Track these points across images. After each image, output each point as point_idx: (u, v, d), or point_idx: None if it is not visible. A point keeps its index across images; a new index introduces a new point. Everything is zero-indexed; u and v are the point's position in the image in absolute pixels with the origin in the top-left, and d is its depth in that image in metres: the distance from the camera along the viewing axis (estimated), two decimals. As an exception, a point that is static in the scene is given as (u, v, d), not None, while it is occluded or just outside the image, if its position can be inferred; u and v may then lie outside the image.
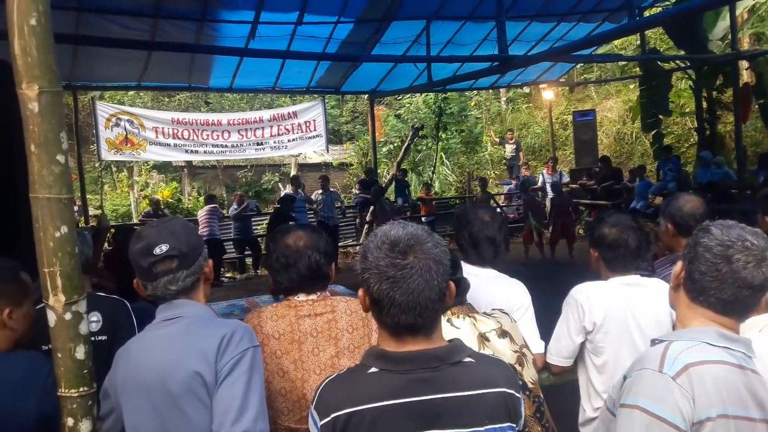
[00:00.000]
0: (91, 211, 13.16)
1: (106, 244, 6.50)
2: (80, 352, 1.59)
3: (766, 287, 1.33)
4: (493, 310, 1.97)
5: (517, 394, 1.31)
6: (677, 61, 12.17)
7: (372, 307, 1.28)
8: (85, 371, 1.60)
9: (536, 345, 2.24)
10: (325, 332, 1.84)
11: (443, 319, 1.66)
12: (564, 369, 2.34)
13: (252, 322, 1.82)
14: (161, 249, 1.57)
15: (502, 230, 2.32)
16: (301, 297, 1.87)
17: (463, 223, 2.32)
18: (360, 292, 1.29)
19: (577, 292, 2.27)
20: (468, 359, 1.29)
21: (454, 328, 1.80)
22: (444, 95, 16.59)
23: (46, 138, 1.52)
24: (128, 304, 2.35)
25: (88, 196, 12.96)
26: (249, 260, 11.93)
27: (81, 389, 1.59)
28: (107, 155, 10.71)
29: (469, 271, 2.11)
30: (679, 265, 1.41)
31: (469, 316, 1.86)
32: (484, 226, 2.27)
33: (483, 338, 1.81)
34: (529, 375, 1.84)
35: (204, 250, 1.68)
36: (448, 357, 1.27)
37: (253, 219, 12.00)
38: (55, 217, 1.54)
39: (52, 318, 1.57)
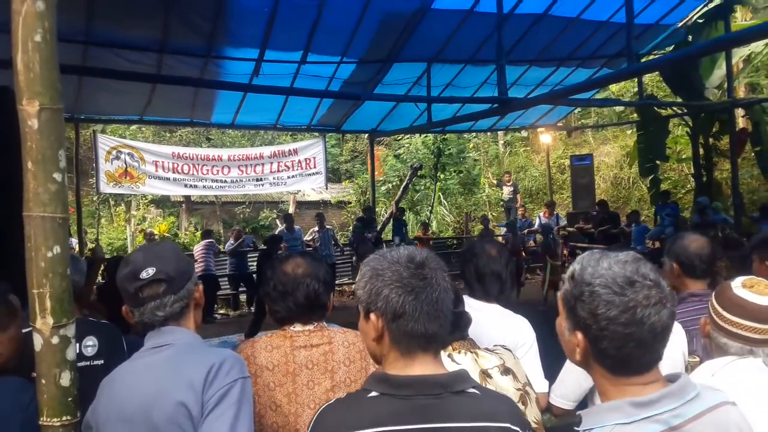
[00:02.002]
0: (88, 245, 13.08)
1: (99, 277, 6.42)
2: (65, 379, 1.52)
3: (674, 320, 1.14)
4: (495, 346, 1.91)
5: None
6: (674, 108, 12.34)
7: (389, 326, 1.24)
8: (70, 399, 1.53)
9: (540, 384, 2.17)
10: (321, 365, 1.77)
11: (444, 354, 1.61)
12: (567, 412, 2.26)
13: (245, 352, 1.76)
14: (147, 273, 1.52)
15: (508, 266, 2.28)
16: (298, 327, 1.81)
17: (469, 257, 2.28)
18: (372, 316, 1.25)
19: None
20: (472, 390, 1.24)
21: (455, 363, 1.74)
22: (443, 137, 16.76)
23: (43, 155, 1.49)
24: (118, 330, 2.29)
25: (84, 229, 12.91)
26: (243, 297, 11.80)
27: (64, 418, 1.51)
28: (106, 188, 10.69)
29: (472, 305, 2.06)
30: (579, 338, 1.15)
31: (471, 352, 1.80)
32: (491, 261, 2.23)
33: (485, 375, 1.75)
34: (533, 414, 1.77)
35: (194, 275, 1.63)
36: (451, 385, 1.22)
37: (249, 255, 11.92)
38: (48, 236, 1.50)
39: (38, 342, 1.51)
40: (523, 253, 12.13)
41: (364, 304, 1.27)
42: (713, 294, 1.80)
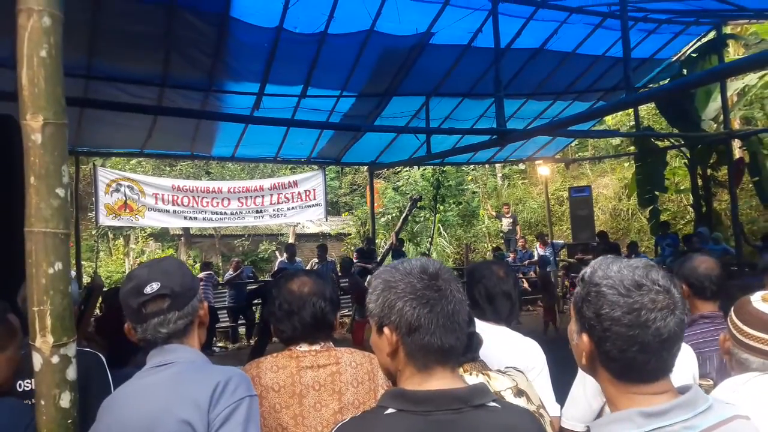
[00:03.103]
0: (86, 279, 12.98)
1: (97, 310, 6.34)
2: (65, 400, 1.47)
3: (683, 329, 1.11)
4: (507, 368, 1.86)
5: None
6: (671, 139, 12.44)
7: (404, 340, 1.20)
8: (69, 421, 1.48)
9: (552, 407, 2.11)
10: (329, 386, 1.72)
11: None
12: (578, 435, 2.19)
13: (250, 372, 1.71)
14: (152, 287, 1.48)
15: (516, 287, 2.24)
16: (304, 347, 1.76)
17: (477, 278, 2.24)
18: (386, 330, 1.21)
19: None
20: (493, 404, 1.19)
21: (466, 384, 1.69)
22: (442, 169, 16.84)
23: (47, 170, 1.47)
24: (103, 358, 2.21)
25: (83, 263, 12.83)
26: (242, 330, 11.66)
27: (62, 442, 1.46)
28: (105, 220, 10.65)
29: (481, 328, 2.01)
30: (584, 341, 1.13)
31: (483, 374, 1.75)
32: (500, 281, 2.19)
33: (498, 397, 1.69)
34: (547, 436, 1.72)
35: (199, 292, 1.59)
36: (470, 399, 1.17)
37: (248, 287, 11.82)
38: (49, 252, 1.47)
39: (37, 361, 1.46)
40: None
41: (376, 318, 1.23)
42: (732, 309, 1.76)
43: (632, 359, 1.08)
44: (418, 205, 16.64)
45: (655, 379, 1.10)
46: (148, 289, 1.48)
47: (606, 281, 1.10)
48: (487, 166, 19.78)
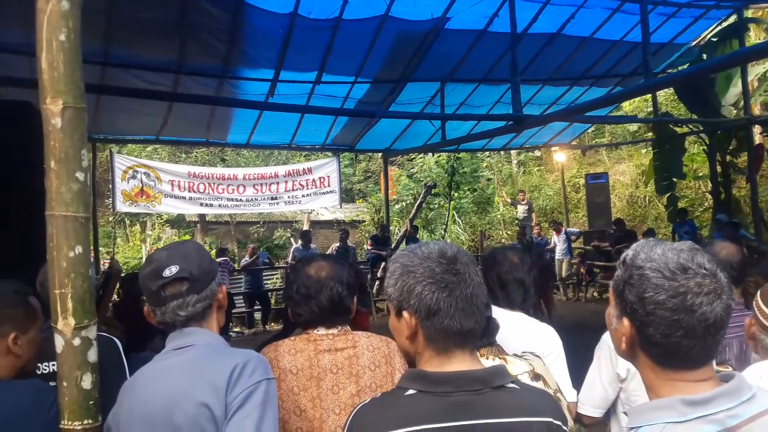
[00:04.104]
0: (103, 266, 13.16)
1: (115, 296, 6.41)
2: (87, 382, 1.50)
3: (729, 315, 1.07)
4: (524, 352, 1.85)
5: (564, 427, 1.21)
6: (690, 125, 12.25)
7: (423, 324, 1.20)
8: (91, 402, 1.50)
9: (569, 393, 2.11)
10: (346, 369, 1.73)
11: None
12: (596, 420, 2.19)
13: (268, 355, 1.71)
14: (171, 271, 1.49)
15: (531, 273, 2.23)
16: (321, 331, 1.77)
17: (491, 264, 2.24)
18: (405, 314, 1.21)
19: (609, 337, 2.15)
20: (512, 385, 1.20)
21: (483, 369, 1.69)
22: (457, 155, 16.76)
23: (66, 154, 1.48)
24: (118, 342, 2.23)
25: (100, 249, 13.00)
26: (258, 315, 11.77)
27: (85, 422, 1.49)
28: (122, 207, 10.76)
29: (497, 313, 2.01)
30: (625, 325, 1.10)
31: (500, 358, 1.75)
32: (513, 267, 2.19)
33: (514, 380, 1.69)
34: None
35: (217, 275, 1.60)
36: (490, 380, 1.18)
37: (264, 273, 11.90)
38: (70, 236, 1.48)
39: (59, 343, 1.48)
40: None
41: (395, 302, 1.24)
42: (758, 293, 1.73)
43: (676, 344, 1.05)
44: (433, 192, 16.61)
45: (699, 365, 1.07)
46: (167, 272, 1.49)
47: (650, 264, 1.07)
48: (502, 152, 19.65)
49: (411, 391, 1.17)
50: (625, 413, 1.11)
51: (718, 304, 1.04)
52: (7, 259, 2.68)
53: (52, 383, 1.60)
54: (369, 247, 13.26)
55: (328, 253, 11.66)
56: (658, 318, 1.05)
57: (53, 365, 1.74)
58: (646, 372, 1.12)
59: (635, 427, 1.07)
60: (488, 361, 1.72)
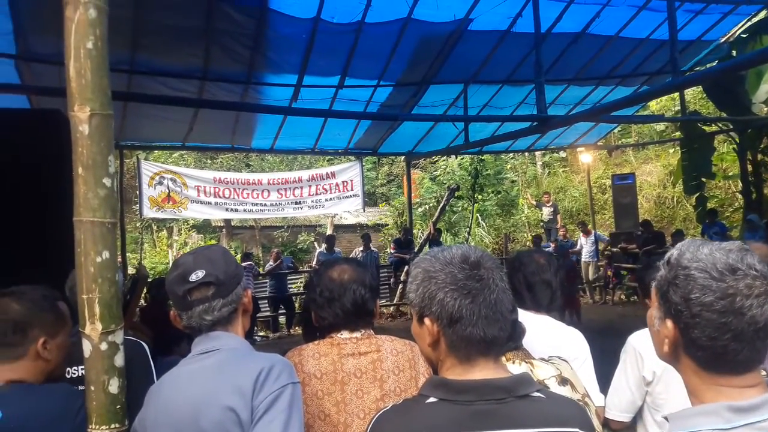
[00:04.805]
0: (130, 271, 13.39)
1: (142, 301, 6.50)
2: (114, 386, 1.51)
3: None
4: (551, 357, 1.82)
5: None
6: (719, 124, 12.01)
7: (445, 331, 1.17)
8: (118, 407, 1.52)
9: (597, 398, 2.07)
10: (370, 373, 1.72)
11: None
12: (624, 425, 2.15)
13: (293, 360, 1.72)
14: (197, 275, 1.50)
15: (557, 275, 2.20)
16: (345, 335, 1.77)
17: (517, 266, 2.21)
18: (426, 321, 1.19)
19: (635, 339, 2.11)
20: (537, 394, 1.16)
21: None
22: (480, 157, 16.66)
23: (94, 160, 1.50)
24: (146, 347, 2.26)
25: (128, 254, 13.21)
26: (282, 319, 11.84)
27: (113, 426, 1.50)
28: (149, 212, 10.93)
29: (523, 317, 1.98)
30: (668, 327, 1.06)
31: (526, 362, 1.73)
32: (540, 269, 2.16)
33: (542, 385, 1.66)
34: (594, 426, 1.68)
35: (243, 280, 1.61)
36: (514, 389, 1.14)
37: (288, 277, 11.97)
38: (97, 241, 1.50)
39: (87, 348, 1.50)
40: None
41: (417, 308, 1.21)
42: None
43: (723, 348, 1.01)
44: (456, 195, 16.53)
45: (746, 370, 1.02)
46: (193, 277, 1.50)
47: (696, 264, 1.03)
48: (526, 154, 19.50)
49: (432, 399, 1.15)
50: (666, 418, 1.06)
51: None
52: (38, 265, 2.72)
53: (80, 387, 1.62)
54: (392, 251, 13.26)
55: (352, 255, 11.69)
56: (705, 320, 1.01)
57: (81, 369, 1.77)
58: (689, 376, 1.08)
59: None
60: (515, 366, 1.70)
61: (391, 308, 12.37)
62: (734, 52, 10.60)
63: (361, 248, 11.53)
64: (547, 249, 15.14)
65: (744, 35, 10.60)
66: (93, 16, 1.49)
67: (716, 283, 1.00)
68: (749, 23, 10.55)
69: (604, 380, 2.19)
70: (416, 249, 12.77)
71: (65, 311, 1.77)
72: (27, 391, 1.61)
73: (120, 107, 8.34)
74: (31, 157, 3.65)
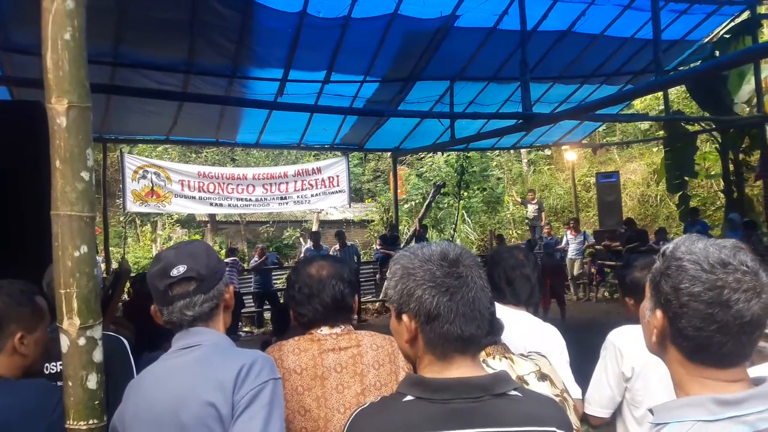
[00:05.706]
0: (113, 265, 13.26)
1: (125, 295, 6.43)
2: (92, 382, 1.50)
3: (767, 315, 1.04)
4: (530, 352, 1.84)
5: None
6: (702, 123, 12.14)
7: (422, 328, 1.17)
8: (96, 402, 1.50)
9: (574, 390, 2.09)
10: (350, 368, 1.72)
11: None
12: (604, 421, 2.17)
13: (273, 355, 1.71)
14: (178, 270, 1.49)
15: (535, 271, 2.23)
16: (325, 330, 1.77)
17: (496, 261, 2.24)
18: (404, 318, 1.18)
19: (615, 336, 2.14)
20: (514, 392, 1.16)
21: (490, 369, 1.67)
22: (466, 154, 16.70)
23: (71, 153, 1.48)
24: (126, 342, 2.23)
25: (111, 249, 13.09)
26: (267, 315, 11.80)
27: (91, 422, 1.49)
28: (132, 206, 10.83)
29: (501, 312, 2.00)
30: (657, 317, 1.08)
31: (506, 357, 1.74)
32: (519, 264, 2.19)
33: (521, 381, 1.68)
34: (572, 422, 1.69)
35: (225, 275, 1.60)
36: (491, 387, 1.15)
37: (273, 273, 11.92)
38: (75, 235, 1.48)
39: (65, 343, 1.49)
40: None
41: (395, 305, 1.21)
42: None
43: (708, 339, 1.03)
44: (442, 192, 16.57)
45: (731, 365, 1.04)
46: (174, 272, 1.49)
47: (689, 256, 1.05)
48: (512, 151, 19.58)
49: (409, 398, 1.15)
50: (650, 411, 1.07)
51: (756, 303, 1.01)
52: (16, 259, 2.69)
53: (59, 383, 1.61)
54: (378, 247, 13.26)
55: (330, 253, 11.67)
56: (692, 310, 1.02)
57: (60, 365, 1.75)
58: (675, 367, 1.10)
59: (662, 423, 1.04)
60: (495, 361, 1.71)
61: (377, 304, 12.38)
62: (717, 53, 10.72)
63: (338, 246, 11.50)
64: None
65: (727, 36, 10.73)
66: (71, 6, 1.46)
67: (706, 275, 1.02)
68: (732, 24, 10.68)
69: (586, 376, 2.22)
70: (402, 245, 12.78)
71: (43, 306, 1.75)
72: (3, 386, 1.59)
73: (103, 100, 8.24)
74: (9, 149, 3.60)
